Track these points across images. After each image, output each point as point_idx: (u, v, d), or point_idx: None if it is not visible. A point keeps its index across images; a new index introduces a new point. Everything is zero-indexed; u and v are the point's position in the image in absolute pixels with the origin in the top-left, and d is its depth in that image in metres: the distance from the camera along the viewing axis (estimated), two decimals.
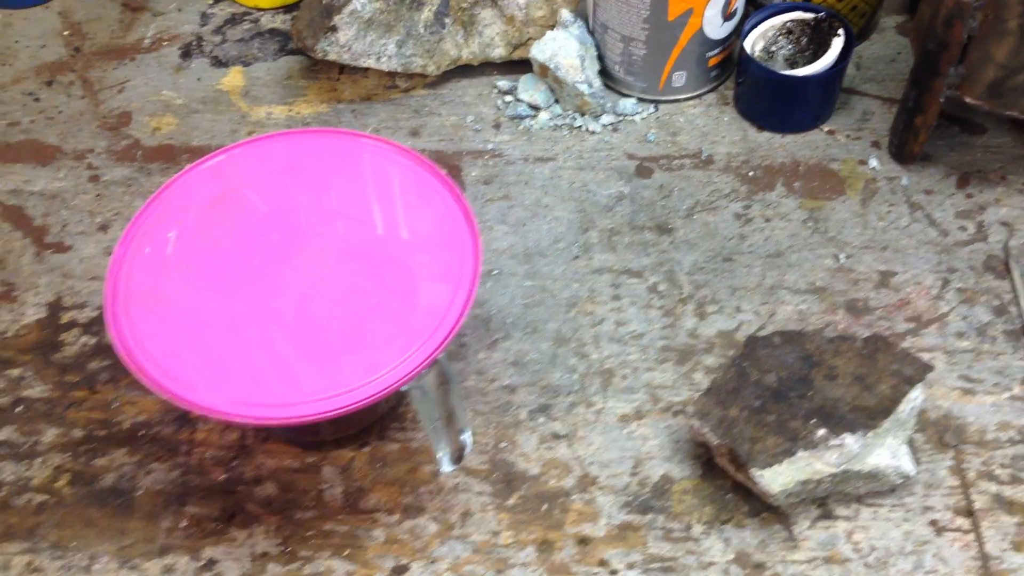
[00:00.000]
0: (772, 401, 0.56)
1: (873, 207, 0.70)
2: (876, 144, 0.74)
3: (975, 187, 0.71)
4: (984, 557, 0.55)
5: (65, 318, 0.68)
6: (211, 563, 0.57)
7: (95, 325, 0.67)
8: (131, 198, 0.74)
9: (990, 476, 0.58)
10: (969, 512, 0.56)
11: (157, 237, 0.57)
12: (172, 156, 0.76)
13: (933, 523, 0.56)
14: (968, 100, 0.65)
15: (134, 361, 0.52)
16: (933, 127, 0.69)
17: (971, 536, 0.56)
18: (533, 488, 0.59)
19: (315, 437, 0.61)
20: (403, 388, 0.51)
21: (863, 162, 0.73)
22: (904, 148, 0.71)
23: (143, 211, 0.58)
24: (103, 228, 0.72)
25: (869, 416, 0.55)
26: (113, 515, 0.59)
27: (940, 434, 0.59)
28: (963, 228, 0.69)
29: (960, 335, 0.63)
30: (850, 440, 0.54)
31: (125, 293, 0.55)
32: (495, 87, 0.79)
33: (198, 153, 0.76)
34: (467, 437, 0.56)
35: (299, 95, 0.80)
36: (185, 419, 0.63)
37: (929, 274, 0.67)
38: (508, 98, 0.79)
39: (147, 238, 0.57)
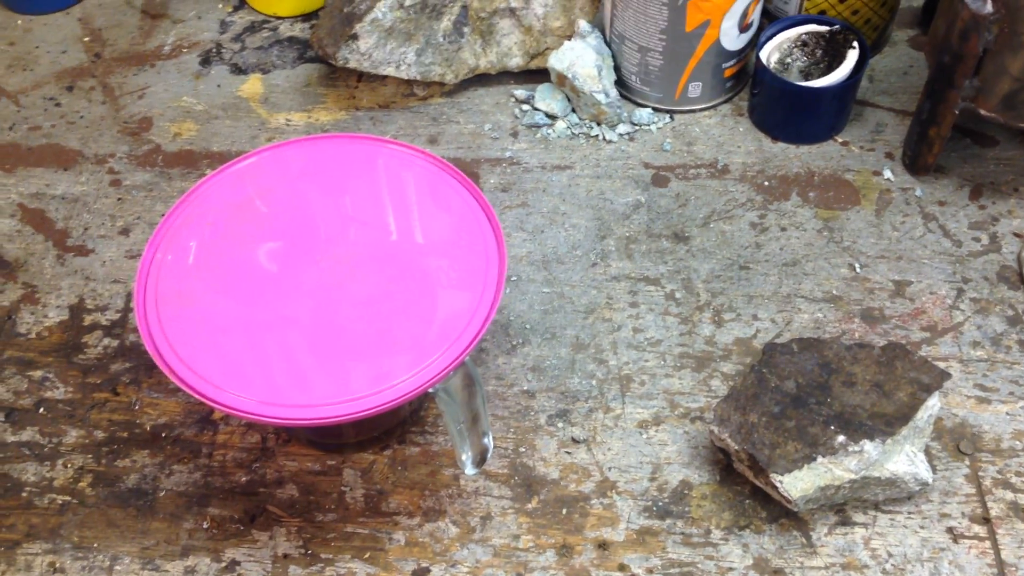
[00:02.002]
0: (791, 407, 0.57)
1: (888, 217, 0.71)
2: (890, 155, 0.75)
3: (988, 198, 0.72)
4: (1000, 564, 0.55)
5: (87, 320, 0.68)
6: (233, 564, 0.57)
7: (117, 327, 0.68)
8: (152, 202, 0.74)
9: (1006, 484, 0.58)
10: (985, 519, 0.57)
11: (181, 241, 0.58)
12: (192, 161, 0.77)
13: (950, 530, 0.57)
14: (983, 112, 0.66)
15: (163, 360, 0.52)
16: (947, 139, 0.70)
17: (987, 543, 0.56)
18: (553, 492, 0.59)
19: (336, 440, 0.62)
20: (430, 391, 0.51)
21: (877, 173, 0.74)
22: (918, 159, 0.72)
23: (169, 215, 0.58)
24: (124, 232, 0.73)
25: (887, 423, 0.55)
26: (135, 516, 0.59)
27: (956, 442, 0.60)
28: (976, 239, 0.70)
29: (975, 344, 0.64)
30: (869, 447, 0.54)
31: (154, 295, 0.55)
32: (512, 96, 0.80)
33: (218, 158, 0.77)
34: (490, 440, 0.56)
35: (318, 102, 0.81)
36: (207, 421, 0.63)
37: (944, 284, 0.67)
38: (525, 107, 0.79)
39: (172, 242, 0.58)
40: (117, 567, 0.57)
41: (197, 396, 0.51)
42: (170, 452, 0.62)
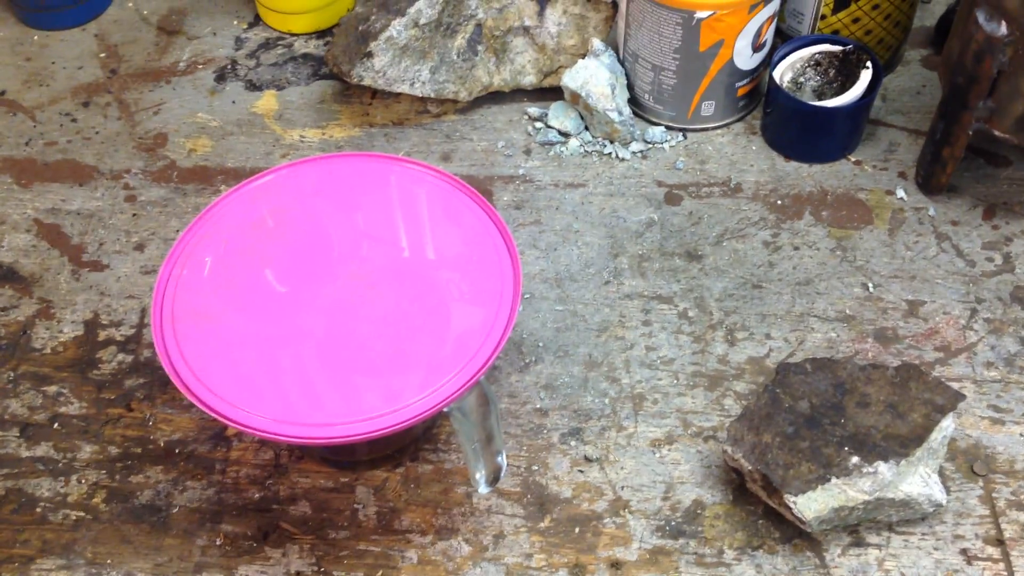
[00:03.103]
0: (805, 428, 0.57)
1: (901, 237, 0.71)
2: (903, 175, 0.75)
3: (1001, 219, 0.72)
4: None
5: (102, 336, 0.68)
6: None
7: (131, 343, 0.68)
8: (167, 218, 0.75)
9: (1020, 505, 0.58)
10: (999, 541, 0.57)
11: (197, 258, 0.58)
12: (207, 177, 0.77)
13: (964, 552, 0.57)
14: (997, 134, 0.66)
15: (179, 377, 0.52)
16: (960, 159, 0.70)
17: (1001, 565, 0.56)
18: (565, 511, 0.59)
19: (350, 458, 0.62)
20: (444, 410, 0.51)
21: (890, 192, 0.74)
22: (931, 179, 0.72)
23: (186, 233, 0.59)
24: (139, 247, 0.73)
25: (901, 444, 0.55)
26: (149, 532, 0.60)
27: (970, 463, 0.60)
28: (990, 259, 0.70)
29: (988, 365, 0.64)
30: (883, 468, 0.54)
31: (171, 312, 0.55)
32: (526, 113, 0.80)
33: (233, 174, 0.77)
34: (503, 459, 0.56)
35: (332, 119, 0.81)
36: (220, 438, 0.63)
37: (957, 304, 0.67)
38: (539, 124, 0.80)
39: (189, 259, 0.58)
40: None
41: (211, 413, 0.51)
42: (184, 468, 0.62)
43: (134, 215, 0.75)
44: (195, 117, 0.82)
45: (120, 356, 0.67)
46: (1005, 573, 0.55)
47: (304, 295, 0.56)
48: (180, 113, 0.82)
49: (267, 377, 0.53)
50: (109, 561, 0.58)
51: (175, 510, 0.60)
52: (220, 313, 0.56)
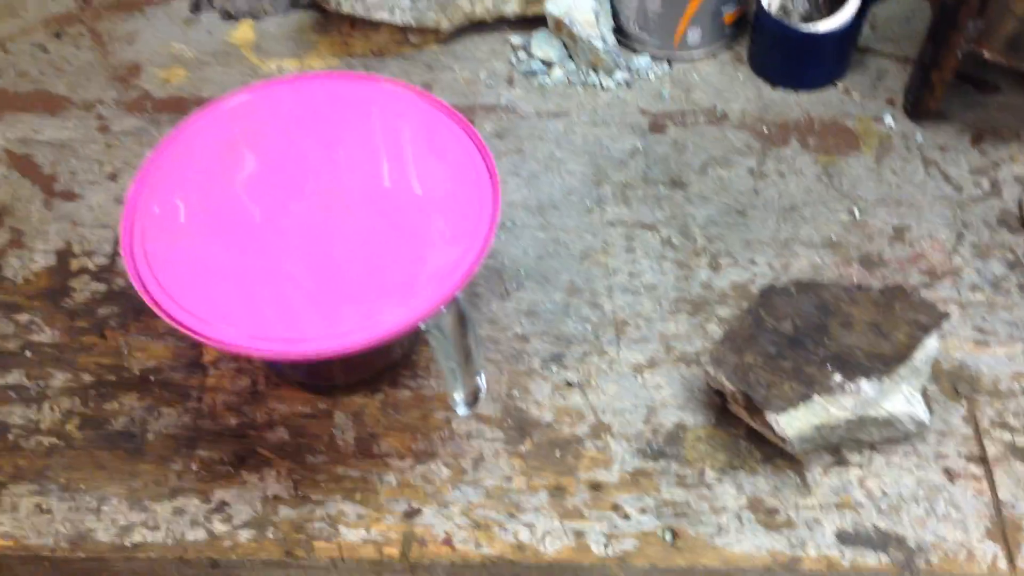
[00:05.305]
0: (788, 348, 0.56)
1: (887, 163, 0.70)
2: (891, 102, 0.74)
3: (989, 144, 0.71)
4: (997, 503, 0.55)
5: (75, 265, 0.67)
6: (222, 505, 0.57)
7: (105, 273, 0.67)
8: (141, 148, 0.73)
9: (1003, 425, 0.58)
10: (982, 459, 0.56)
11: (168, 181, 0.57)
12: (183, 108, 0.76)
13: (946, 470, 0.56)
14: (986, 55, 0.65)
15: (151, 297, 0.51)
16: (949, 83, 0.68)
17: (984, 483, 0.56)
18: (546, 435, 0.59)
19: (327, 382, 0.61)
20: (421, 327, 0.50)
21: (878, 119, 0.73)
22: (919, 104, 0.71)
23: (155, 154, 0.57)
24: (112, 177, 0.72)
25: (885, 363, 0.55)
26: (123, 458, 0.59)
27: (953, 384, 0.59)
28: (977, 184, 0.69)
29: (974, 288, 0.63)
30: (866, 386, 0.54)
31: (141, 234, 0.54)
32: (508, 43, 0.79)
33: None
34: (482, 380, 0.55)
35: (310, 49, 0.79)
36: (196, 365, 0.62)
37: (943, 229, 0.66)
38: (521, 54, 0.78)
39: (159, 181, 0.57)
40: (105, 508, 0.57)
41: (184, 330, 0.50)
42: (159, 395, 0.61)
43: (107, 145, 0.74)
44: (169, 47, 0.80)
45: (93, 285, 0.66)
46: (988, 491, 0.55)
47: (279, 217, 0.55)
48: (154, 43, 0.80)
49: (241, 297, 0.52)
50: (83, 486, 0.58)
51: (150, 436, 0.59)
52: (192, 235, 0.54)
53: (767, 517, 0.55)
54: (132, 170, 0.72)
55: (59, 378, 0.62)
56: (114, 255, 0.68)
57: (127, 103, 0.76)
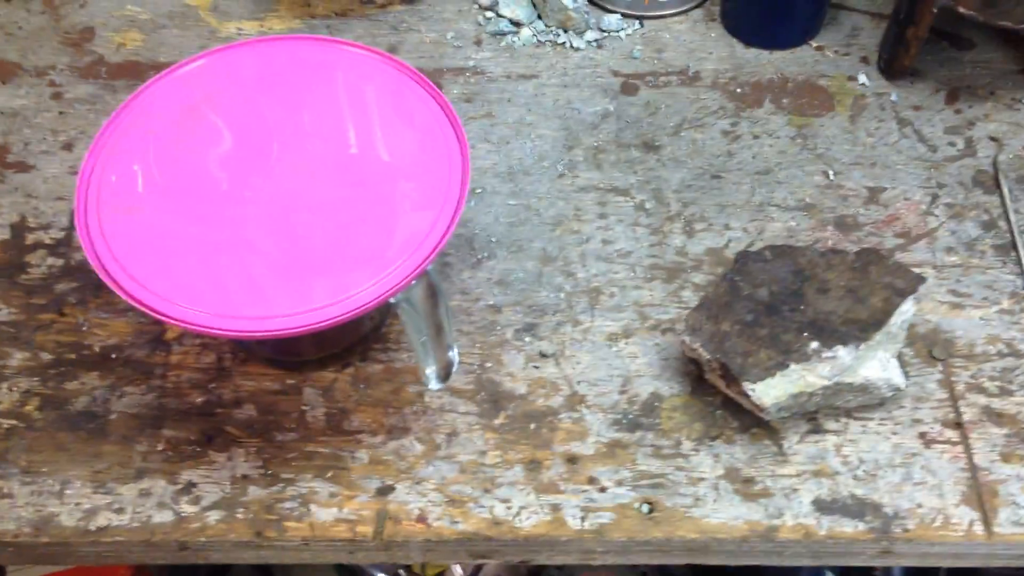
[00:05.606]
0: (764, 315, 0.55)
1: (862, 123, 0.69)
2: (865, 60, 0.72)
3: (964, 102, 0.70)
4: (973, 468, 0.55)
5: (30, 239, 0.65)
6: (190, 486, 0.55)
7: (62, 246, 0.65)
8: (96, 116, 0.71)
9: (979, 389, 0.57)
10: (958, 424, 0.56)
11: (125, 150, 0.54)
12: (138, 73, 0.73)
13: (922, 435, 0.56)
14: (962, 10, 0.64)
15: (109, 275, 0.49)
16: (924, 40, 0.67)
17: (960, 448, 0.55)
18: (520, 408, 0.58)
19: (296, 357, 0.60)
20: (391, 300, 0.49)
21: (852, 78, 0.71)
22: (894, 62, 0.70)
23: (110, 122, 0.55)
24: (67, 147, 0.69)
25: (861, 329, 0.54)
26: (86, 439, 0.57)
27: (929, 348, 0.59)
28: (952, 143, 0.68)
29: (949, 250, 0.63)
30: (842, 352, 0.53)
31: (96, 207, 0.52)
32: (476, 2, 0.76)
33: (164, 69, 0.73)
34: (455, 354, 0.54)
35: (270, 10, 0.77)
36: (159, 342, 0.61)
37: (918, 190, 0.66)
38: (489, 14, 0.76)
39: (115, 151, 0.54)
40: (68, 491, 0.55)
41: (144, 309, 0.49)
42: (121, 374, 0.59)
43: (61, 113, 0.71)
44: (124, 9, 0.77)
45: (50, 260, 0.64)
46: (963, 455, 0.55)
47: (242, 187, 0.53)
48: (108, 6, 0.77)
49: (204, 272, 0.50)
50: (45, 469, 0.56)
51: (113, 416, 0.58)
52: (151, 208, 0.52)
53: (744, 487, 0.54)
54: (87, 139, 0.70)
55: (17, 357, 0.60)
56: (71, 228, 0.65)
57: (81, 69, 0.74)
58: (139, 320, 0.61)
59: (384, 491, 0.55)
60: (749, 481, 0.55)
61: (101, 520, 0.54)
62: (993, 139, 0.68)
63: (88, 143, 0.69)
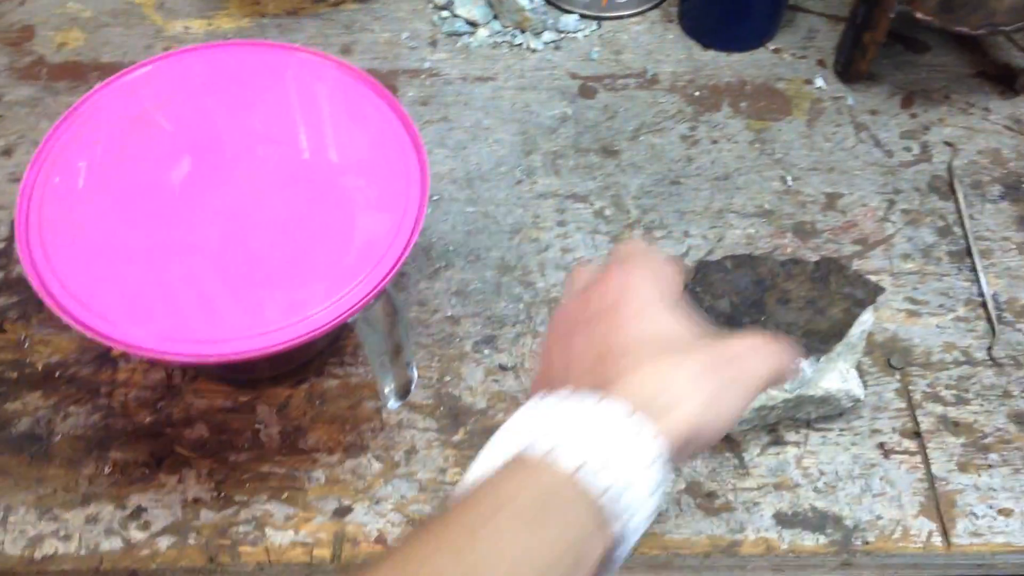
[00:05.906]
0: (726, 326, 0.55)
1: (819, 128, 0.69)
2: (822, 63, 0.72)
3: (919, 106, 0.70)
4: (931, 478, 0.55)
5: None
6: (139, 511, 0.54)
7: (1, 258, 0.62)
8: (36, 119, 0.68)
9: (935, 397, 0.58)
10: (916, 433, 0.56)
11: (69, 161, 0.52)
12: (80, 74, 0.70)
13: (881, 446, 0.56)
14: (919, 16, 0.64)
15: (50, 294, 0.47)
16: (881, 45, 0.67)
17: (918, 457, 0.56)
18: (480, 423, 0.57)
19: (249, 375, 0.58)
20: (349, 320, 0.48)
21: (809, 81, 0.71)
22: (851, 66, 0.69)
23: (53, 132, 0.53)
24: (7, 153, 0.67)
25: (822, 340, 0.54)
26: (29, 463, 0.55)
27: (887, 356, 0.59)
28: (908, 148, 0.68)
29: (906, 257, 0.63)
30: (804, 365, 0.53)
31: (38, 221, 0.50)
32: (431, 2, 0.75)
33: (108, 70, 0.70)
34: (413, 370, 0.53)
35: (219, 8, 0.74)
36: (105, 359, 0.59)
37: (875, 195, 0.66)
38: (445, 13, 0.74)
39: (58, 162, 0.52)
40: (11, 518, 0.53)
41: (89, 333, 0.47)
42: (65, 393, 0.57)
43: None
44: (65, 7, 0.74)
45: None
46: (921, 465, 0.55)
47: (192, 200, 0.51)
48: (48, 3, 0.74)
49: (154, 291, 0.48)
50: None
51: (57, 438, 0.56)
52: (96, 222, 0.50)
53: (706, 501, 0.54)
54: (28, 144, 0.67)
55: None
56: (11, 239, 0.63)
57: (20, 70, 0.71)
58: (84, 336, 0.59)
59: (341, 512, 0.54)
60: (711, 495, 0.54)
61: (47, 548, 0.52)
62: (948, 144, 0.68)
63: (28, 148, 0.67)
